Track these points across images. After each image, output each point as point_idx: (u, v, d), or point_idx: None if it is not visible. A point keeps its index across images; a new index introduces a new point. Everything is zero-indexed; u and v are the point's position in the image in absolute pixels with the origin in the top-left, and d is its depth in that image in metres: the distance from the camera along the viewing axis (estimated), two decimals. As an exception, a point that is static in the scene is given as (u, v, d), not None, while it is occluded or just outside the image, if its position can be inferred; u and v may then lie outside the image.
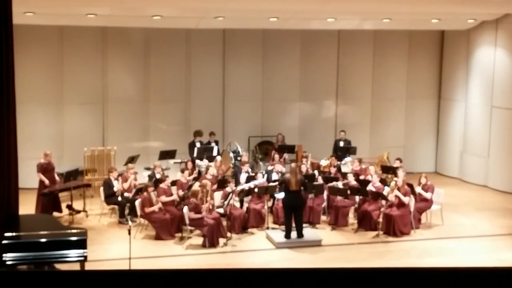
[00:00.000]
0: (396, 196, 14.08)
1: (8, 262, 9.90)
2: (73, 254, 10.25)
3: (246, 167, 15.80)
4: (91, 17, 15.47)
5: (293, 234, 13.43)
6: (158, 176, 15.13)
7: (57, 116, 17.77)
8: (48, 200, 14.66)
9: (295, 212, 13.46)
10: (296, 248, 13.17)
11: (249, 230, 14.22)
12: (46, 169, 14.99)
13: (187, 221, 13.29)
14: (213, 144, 17.42)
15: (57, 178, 15.26)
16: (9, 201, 11.10)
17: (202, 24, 17.19)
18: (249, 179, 15.23)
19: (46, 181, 14.82)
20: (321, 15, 16.82)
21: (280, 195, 14.21)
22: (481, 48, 18.52)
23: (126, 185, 14.83)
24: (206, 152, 17.12)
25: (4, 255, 9.93)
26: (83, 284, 4.17)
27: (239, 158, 17.00)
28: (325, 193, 14.96)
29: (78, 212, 15.00)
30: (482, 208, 16.40)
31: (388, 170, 16.43)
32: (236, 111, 19.07)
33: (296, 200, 13.52)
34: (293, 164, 14.40)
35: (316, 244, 13.43)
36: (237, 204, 14.48)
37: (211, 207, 13.52)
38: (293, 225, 13.50)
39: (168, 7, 15.59)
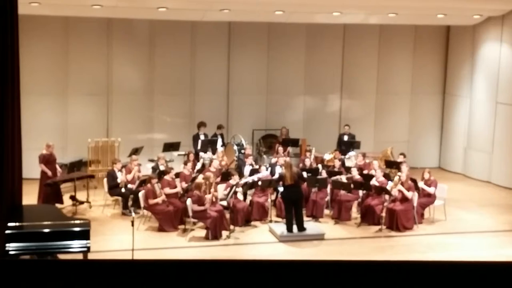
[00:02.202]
0: (400, 191, 14.06)
1: (11, 252, 9.92)
2: (76, 244, 10.26)
3: (250, 160, 15.82)
4: (97, 8, 15.46)
5: (296, 227, 13.45)
6: (161, 168, 15.15)
7: (62, 107, 17.79)
8: (51, 191, 14.68)
9: (294, 205, 13.48)
10: (299, 242, 13.17)
11: (252, 223, 14.23)
12: (48, 160, 15.00)
13: (190, 213, 13.30)
14: (218, 137, 17.44)
15: (58, 169, 15.29)
16: (12, 191, 11.11)
17: (207, 16, 17.16)
18: (253, 172, 15.24)
19: (49, 173, 14.83)
20: (326, 9, 16.79)
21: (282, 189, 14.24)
22: (487, 44, 18.47)
23: (129, 177, 14.86)
24: (210, 145, 17.12)
25: (7, 245, 9.95)
26: (86, 273, 4.18)
27: (243, 151, 17.00)
28: (329, 187, 14.97)
29: (82, 203, 15.03)
30: (485, 204, 16.39)
31: (392, 164, 16.42)
32: (241, 104, 19.06)
33: (293, 193, 13.53)
34: (286, 159, 14.40)
35: (319, 237, 13.43)
36: (241, 197, 14.49)
37: (214, 199, 13.54)
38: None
39: (173, -1, 15.59)
